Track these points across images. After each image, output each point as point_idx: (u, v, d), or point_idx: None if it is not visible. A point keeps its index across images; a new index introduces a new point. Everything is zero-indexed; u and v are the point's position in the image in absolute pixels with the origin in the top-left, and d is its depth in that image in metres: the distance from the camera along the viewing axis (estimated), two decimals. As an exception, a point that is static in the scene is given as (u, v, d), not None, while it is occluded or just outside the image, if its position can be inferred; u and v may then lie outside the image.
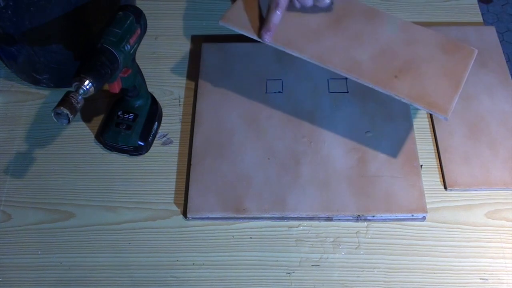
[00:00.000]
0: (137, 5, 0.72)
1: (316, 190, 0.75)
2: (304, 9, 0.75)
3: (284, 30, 0.74)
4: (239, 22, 0.74)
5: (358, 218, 0.74)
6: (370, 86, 0.70)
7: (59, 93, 0.64)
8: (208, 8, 0.97)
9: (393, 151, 0.78)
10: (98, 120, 0.84)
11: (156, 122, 0.82)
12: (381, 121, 0.81)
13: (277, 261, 0.72)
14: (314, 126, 0.80)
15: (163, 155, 0.80)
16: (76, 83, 0.63)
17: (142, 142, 0.79)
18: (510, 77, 0.85)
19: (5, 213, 0.76)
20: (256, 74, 0.86)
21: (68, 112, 0.62)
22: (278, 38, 0.74)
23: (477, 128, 0.81)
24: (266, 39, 0.73)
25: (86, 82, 0.63)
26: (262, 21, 0.73)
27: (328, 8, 0.75)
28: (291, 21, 0.75)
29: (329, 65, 0.72)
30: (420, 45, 0.74)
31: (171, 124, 0.84)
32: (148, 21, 0.73)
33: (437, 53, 0.74)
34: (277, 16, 0.72)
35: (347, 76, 0.72)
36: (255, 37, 0.74)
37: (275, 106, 0.83)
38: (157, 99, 0.83)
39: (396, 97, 0.70)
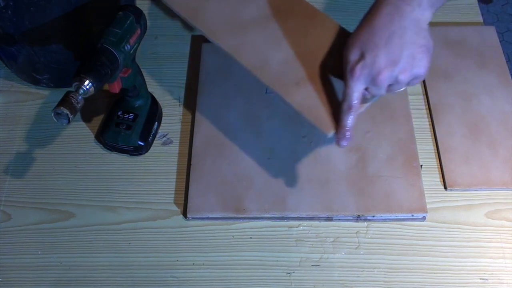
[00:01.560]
0: (137, 5, 0.72)
1: (316, 190, 0.75)
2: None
3: (215, 18, 0.72)
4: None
5: (358, 218, 0.74)
6: (269, 88, 0.68)
7: (59, 93, 0.64)
8: (208, 8, 0.97)
9: (393, 151, 0.78)
10: (98, 120, 0.84)
11: (156, 122, 0.82)
12: (381, 121, 0.81)
13: (277, 261, 0.72)
14: (314, 126, 0.80)
15: (163, 155, 0.80)
16: (76, 83, 0.63)
17: (142, 142, 0.79)
18: (510, 77, 0.85)
19: (5, 213, 0.76)
20: (256, 74, 0.86)
21: (68, 112, 0.62)
22: (205, 24, 0.72)
23: (477, 128, 0.81)
24: (343, 145, 0.65)
25: (86, 82, 0.63)
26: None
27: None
28: (225, 10, 0.73)
29: (240, 59, 0.70)
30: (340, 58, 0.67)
31: (171, 124, 0.84)
32: (148, 21, 0.73)
33: None
34: (351, 120, 0.64)
35: (252, 73, 0.69)
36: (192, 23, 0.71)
37: (275, 106, 0.83)
38: (157, 99, 0.83)
39: (288, 104, 0.66)
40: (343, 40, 0.67)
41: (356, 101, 0.63)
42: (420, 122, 0.83)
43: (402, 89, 0.64)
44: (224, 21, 0.72)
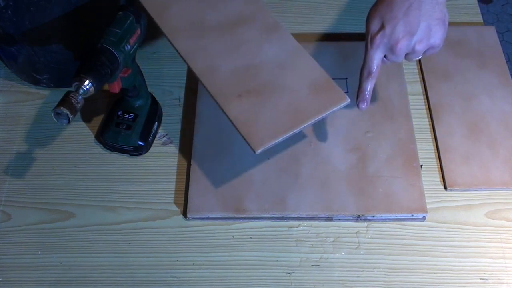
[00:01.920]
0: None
1: (316, 190, 0.75)
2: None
3: (178, 19, 0.72)
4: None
5: (358, 218, 0.74)
6: (211, 96, 0.68)
7: (59, 93, 0.64)
8: (208, 8, 0.97)
9: (393, 151, 0.78)
10: (98, 120, 0.84)
11: (156, 122, 0.82)
12: (381, 121, 0.81)
13: (277, 261, 0.72)
14: (314, 126, 0.80)
15: (163, 155, 0.80)
16: (76, 83, 0.63)
17: (142, 142, 0.79)
18: (510, 77, 0.85)
19: (5, 213, 0.76)
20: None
21: (68, 112, 0.62)
22: (167, 23, 0.72)
23: (477, 128, 0.81)
24: (363, 108, 0.71)
25: (86, 82, 0.63)
26: None
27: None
28: (191, 13, 0.73)
29: (190, 63, 0.69)
30: (294, 73, 0.69)
31: (171, 124, 0.84)
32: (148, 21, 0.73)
33: (304, 86, 0.67)
34: (371, 84, 0.69)
35: (199, 80, 0.69)
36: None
37: (275, 106, 0.83)
38: (157, 99, 0.83)
39: (225, 115, 0.66)
40: (297, 59, 0.69)
41: (375, 68, 0.68)
42: (420, 122, 0.83)
43: (419, 57, 0.69)
44: (186, 23, 0.72)
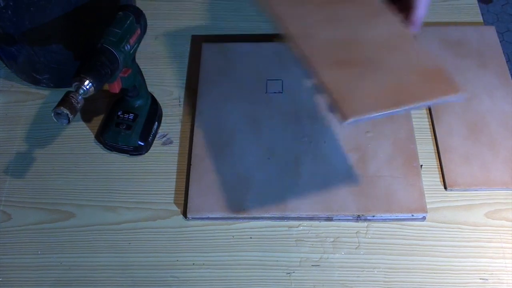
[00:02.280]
0: (137, 5, 0.72)
1: (316, 190, 0.75)
2: None
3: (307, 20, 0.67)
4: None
5: (358, 218, 0.74)
6: (303, 61, 0.62)
7: (59, 93, 0.64)
8: (208, 8, 0.97)
9: (393, 151, 0.78)
10: (98, 120, 0.84)
11: (156, 122, 0.82)
12: (381, 121, 0.81)
13: (277, 261, 0.72)
14: (314, 126, 0.80)
15: (163, 155, 0.81)
16: (76, 83, 0.63)
17: (142, 142, 0.79)
18: (510, 77, 0.86)
19: (5, 213, 0.76)
20: (256, 74, 0.86)
21: (68, 112, 0.62)
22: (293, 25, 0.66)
23: (477, 128, 0.81)
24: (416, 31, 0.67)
25: (86, 82, 0.63)
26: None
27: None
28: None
29: (285, 25, 0.65)
30: (400, 56, 0.63)
31: (171, 124, 0.84)
32: (148, 21, 0.73)
33: (412, 70, 0.61)
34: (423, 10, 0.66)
35: (293, 41, 0.63)
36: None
37: (275, 106, 0.83)
38: (157, 99, 0.83)
39: (310, 81, 0.60)
40: (402, 40, 0.64)
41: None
42: (420, 122, 0.83)
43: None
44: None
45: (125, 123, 0.79)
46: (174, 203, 0.76)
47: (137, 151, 0.80)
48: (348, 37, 0.64)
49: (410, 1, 0.66)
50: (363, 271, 0.71)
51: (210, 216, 0.74)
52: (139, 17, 0.70)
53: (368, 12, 0.68)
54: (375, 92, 0.59)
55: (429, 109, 0.83)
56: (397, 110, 0.58)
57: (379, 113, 0.57)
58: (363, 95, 0.58)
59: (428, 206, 0.74)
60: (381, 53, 0.63)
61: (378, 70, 0.61)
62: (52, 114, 0.62)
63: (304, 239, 0.73)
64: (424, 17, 0.66)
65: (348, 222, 0.74)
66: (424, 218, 0.74)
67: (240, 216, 0.74)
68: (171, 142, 0.82)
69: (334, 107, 0.57)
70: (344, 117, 0.56)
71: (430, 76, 0.60)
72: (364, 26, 0.66)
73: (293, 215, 0.74)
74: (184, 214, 0.75)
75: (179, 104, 0.86)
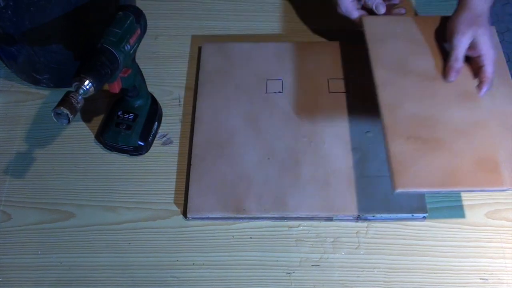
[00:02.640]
0: (137, 5, 0.72)
1: (316, 190, 0.75)
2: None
3: (390, 51, 0.79)
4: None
5: (358, 218, 0.74)
6: (382, 129, 0.71)
7: (59, 93, 0.64)
8: (208, 8, 0.97)
9: (393, 151, 0.79)
10: (98, 120, 0.84)
11: (156, 122, 0.82)
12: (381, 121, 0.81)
13: (277, 261, 0.72)
14: (314, 126, 0.80)
15: (163, 155, 0.81)
16: (76, 83, 0.63)
17: (142, 142, 0.79)
18: (510, 77, 0.85)
19: (5, 213, 0.76)
20: (256, 74, 0.86)
21: (68, 112, 0.62)
22: (376, 52, 0.79)
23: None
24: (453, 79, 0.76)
25: (86, 82, 0.63)
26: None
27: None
28: (404, 51, 0.79)
29: (380, 92, 0.74)
30: (467, 141, 0.70)
31: (171, 124, 0.84)
32: (148, 21, 0.73)
33: (472, 156, 0.68)
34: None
35: (380, 112, 0.73)
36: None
37: (275, 106, 0.83)
38: (157, 99, 0.83)
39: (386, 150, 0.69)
40: (477, 128, 0.72)
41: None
42: (420, 122, 0.83)
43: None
44: (393, 58, 0.78)
45: (125, 123, 0.79)
46: (174, 203, 0.76)
47: (137, 151, 0.80)
48: (430, 114, 0.72)
49: (479, 60, 0.76)
50: (363, 271, 0.71)
51: (210, 216, 0.74)
52: (139, 17, 0.70)
53: (460, 94, 0.75)
54: (430, 170, 0.67)
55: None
56: (443, 190, 0.68)
57: (426, 190, 0.68)
58: (417, 172, 0.67)
59: (428, 206, 0.74)
60: (452, 136, 0.70)
61: (443, 151, 0.69)
62: (52, 114, 0.62)
63: (304, 239, 0.73)
64: (493, 74, 0.75)
65: (348, 222, 0.74)
66: (424, 218, 0.74)
67: (240, 216, 0.74)
68: (171, 142, 0.82)
69: (390, 176, 0.67)
70: (394, 187, 0.66)
71: (485, 165, 0.68)
72: (449, 107, 0.73)
73: (293, 215, 0.74)
74: (184, 214, 0.75)
75: (179, 104, 0.86)
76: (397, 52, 0.78)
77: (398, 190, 0.66)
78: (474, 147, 0.69)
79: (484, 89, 0.76)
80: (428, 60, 0.78)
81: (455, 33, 0.76)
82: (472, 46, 0.76)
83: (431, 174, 0.67)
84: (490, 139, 0.71)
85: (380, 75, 0.76)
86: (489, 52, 0.75)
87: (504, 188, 0.67)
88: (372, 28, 0.81)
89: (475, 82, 0.76)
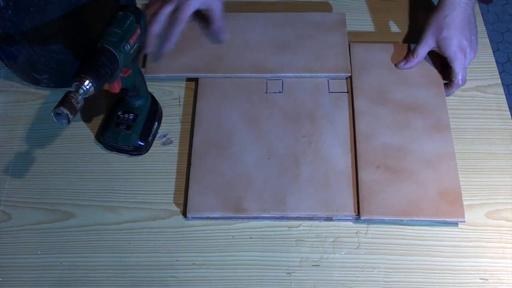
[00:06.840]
0: (137, 5, 0.72)
1: (316, 190, 0.75)
2: None
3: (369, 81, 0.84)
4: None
5: (358, 218, 0.74)
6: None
7: (59, 93, 0.64)
8: (208, 8, 0.97)
9: (393, 151, 0.79)
10: (98, 120, 0.84)
11: (156, 122, 0.82)
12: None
13: (277, 261, 0.72)
14: (314, 126, 0.80)
15: (163, 155, 0.80)
16: (76, 83, 0.63)
17: (142, 142, 0.79)
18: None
19: (5, 213, 0.76)
20: (256, 74, 0.86)
21: (68, 112, 0.62)
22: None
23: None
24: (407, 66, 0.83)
25: (86, 82, 0.63)
26: None
27: None
28: (383, 81, 0.83)
29: (357, 122, 0.79)
30: (433, 173, 0.74)
31: (171, 124, 0.84)
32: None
33: (435, 187, 0.73)
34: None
35: (356, 143, 0.77)
36: None
37: (275, 106, 0.83)
38: (157, 99, 0.83)
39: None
40: (444, 160, 0.76)
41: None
42: (420, 122, 0.83)
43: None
44: (372, 88, 0.83)
45: (125, 123, 0.79)
46: (174, 203, 0.76)
47: (137, 151, 0.80)
48: (401, 144, 0.76)
49: (451, 67, 0.81)
50: (363, 271, 0.71)
51: (210, 216, 0.74)
52: (139, 17, 0.70)
53: (433, 125, 0.78)
54: (395, 199, 0.72)
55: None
56: (404, 219, 0.72)
57: (389, 219, 0.72)
58: (383, 200, 0.72)
59: (428, 206, 0.74)
60: (420, 166, 0.75)
61: (409, 181, 0.73)
62: (52, 114, 0.62)
63: (304, 239, 0.73)
64: (461, 76, 0.80)
65: (348, 222, 0.74)
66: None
67: (240, 216, 0.74)
68: (171, 142, 0.82)
69: (358, 202, 0.72)
70: (356, 213, 0.72)
71: (448, 197, 0.72)
72: (420, 137, 0.77)
73: (293, 215, 0.74)
74: (184, 214, 0.75)
75: (179, 104, 0.86)
76: (378, 81, 0.82)
77: (363, 218, 0.71)
78: (440, 179, 0.74)
79: (452, 90, 0.82)
80: (405, 90, 0.81)
81: (420, 40, 0.82)
82: (439, 47, 0.81)
83: (396, 203, 0.72)
84: (454, 171, 0.74)
85: (360, 104, 0.80)
86: (453, 55, 0.80)
87: (464, 220, 0.71)
88: (356, 55, 0.85)
89: (447, 113, 0.79)
